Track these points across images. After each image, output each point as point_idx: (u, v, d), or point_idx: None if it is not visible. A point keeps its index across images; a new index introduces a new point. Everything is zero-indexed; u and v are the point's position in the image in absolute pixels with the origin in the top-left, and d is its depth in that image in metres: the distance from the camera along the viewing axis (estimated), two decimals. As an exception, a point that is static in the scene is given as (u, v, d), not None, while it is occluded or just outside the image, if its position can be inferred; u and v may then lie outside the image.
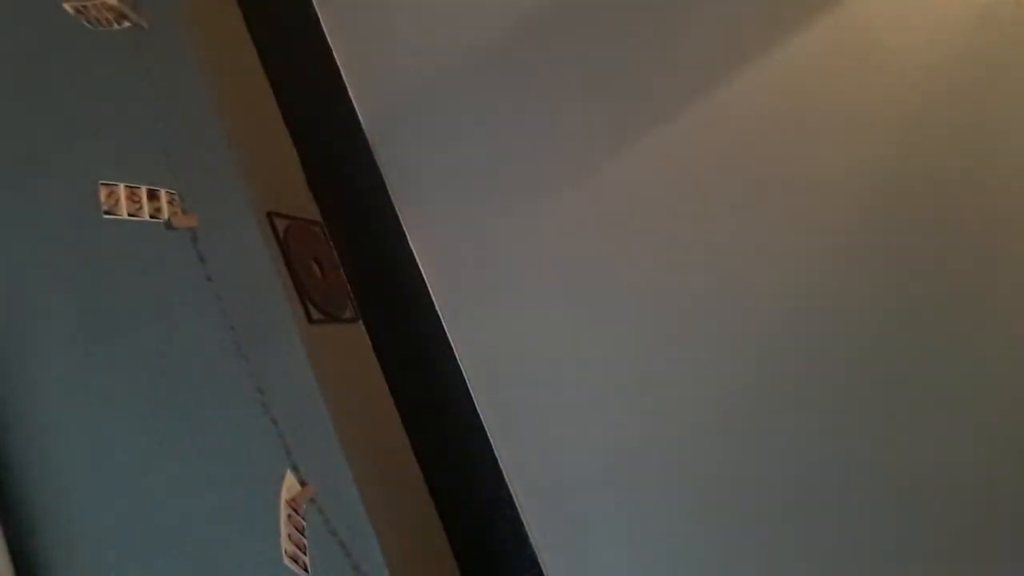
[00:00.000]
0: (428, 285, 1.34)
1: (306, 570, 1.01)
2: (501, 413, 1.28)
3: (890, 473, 1.07)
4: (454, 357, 1.31)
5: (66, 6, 1.13)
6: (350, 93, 1.40)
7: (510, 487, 1.26)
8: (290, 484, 1.04)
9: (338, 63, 1.41)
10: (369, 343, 1.35)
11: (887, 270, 1.09)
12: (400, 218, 1.36)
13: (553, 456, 1.24)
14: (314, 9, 1.43)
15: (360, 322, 1.35)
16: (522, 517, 1.24)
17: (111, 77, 1.22)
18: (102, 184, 1.07)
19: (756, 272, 1.14)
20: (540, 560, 1.23)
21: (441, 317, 1.32)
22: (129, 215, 1.09)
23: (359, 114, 1.39)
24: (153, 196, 1.10)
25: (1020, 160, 1.04)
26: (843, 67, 1.12)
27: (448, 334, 1.32)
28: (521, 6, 1.28)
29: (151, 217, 1.10)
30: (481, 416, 1.28)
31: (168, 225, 1.11)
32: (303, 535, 1.03)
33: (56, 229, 1.24)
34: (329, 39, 1.42)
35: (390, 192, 1.37)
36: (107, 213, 1.07)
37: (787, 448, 1.12)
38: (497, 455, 1.27)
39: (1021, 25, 1.04)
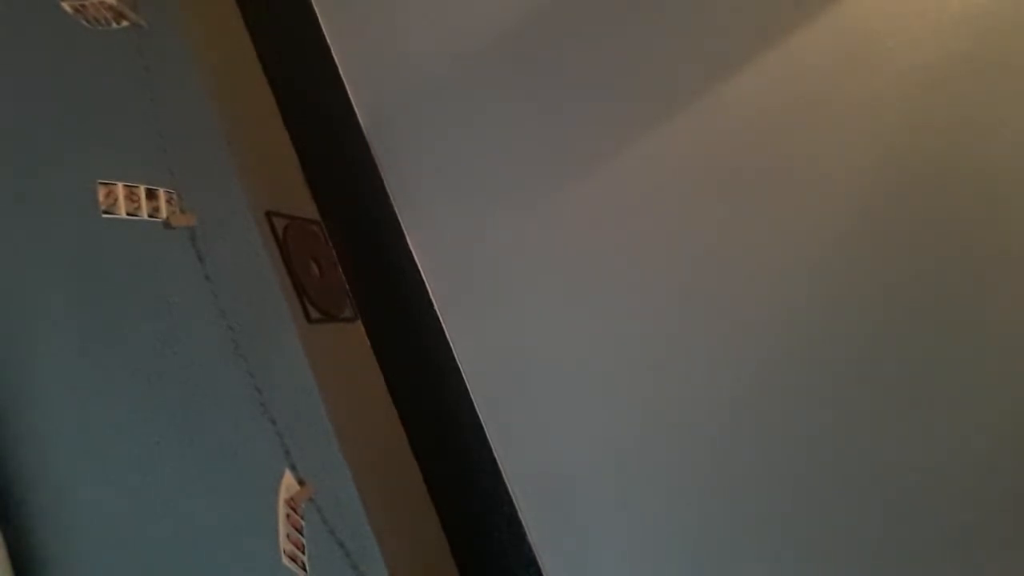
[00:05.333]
0: (427, 284, 1.34)
1: (304, 569, 1.01)
2: (500, 412, 1.28)
3: (891, 472, 1.07)
4: (452, 356, 1.31)
5: (65, 5, 1.13)
6: (349, 92, 1.40)
7: (508, 486, 1.26)
8: (288, 483, 1.05)
9: (337, 62, 1.41)
10: (368, 342, 1.35)
11: (888, 269, 1.09)
12: (399, 217, 1.36)
13: (552, 455, 1.24)
14: (313, 9, 1.43)
15: (359, 321, 1.35)
16: (520, 516, 1.24)
17: (109, 76, 1.22)
18: (100, 183, 1.08)
19: (757, 272, 1.14)
20: (538, 559, 1.23)
21: (440, 316, 1.32)
22: (127, 214, 1.09)
23: (358, 113, 1.39)
24: (151, 195, 1.11)
25: (1020, 159, 1.04)
26: (842, 66, 1.12)
27: (447, 333, 1.32)
28: (521, 6, 1.28)
29: (149, 216, 1.10)
30: (480, 415, 1.28)
31: (167, 224, 1.11)
32: (301, 534, 1.03)
33: (54, 228, 1.24)
34: (328, 39, 1.42)
35: (388, 191, 1.37)
36: (105, 212, 1.08)
37: (788, 448, 1.12)
38: (495, 454, 1.27)
39: (1021, 25, 1.04)
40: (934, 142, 1.07)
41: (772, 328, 1.13)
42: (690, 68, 1.18)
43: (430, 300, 1.33)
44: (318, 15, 1.43)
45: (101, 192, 1.07)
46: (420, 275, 1.34)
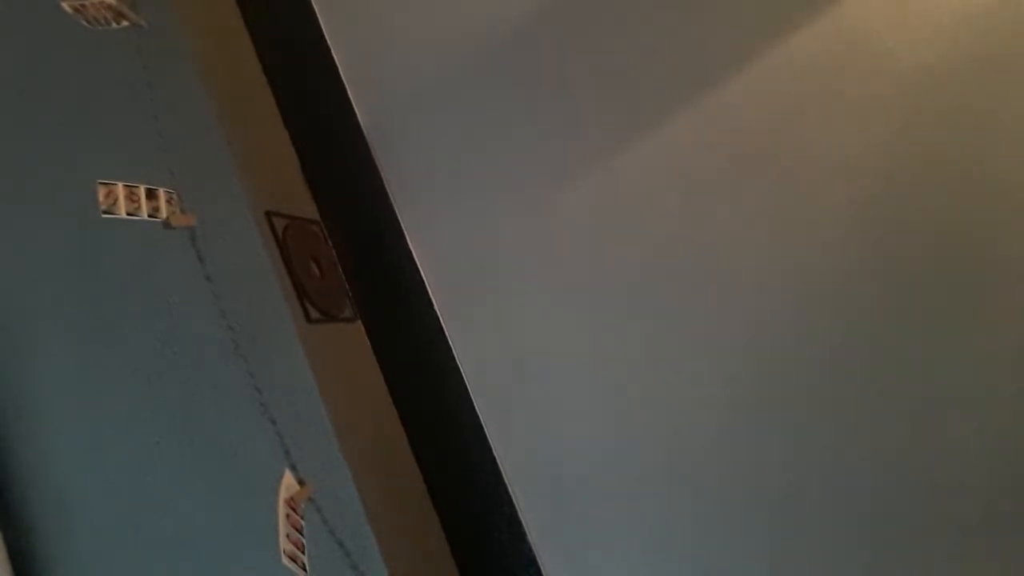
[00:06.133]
0: (427, 284, 1.34)
1: (304, 569, 1.01)
2: (499, 412, 1.28)
3: (892, 472, 1.07)
4: (452, 356, 1.31)
5: (65, 5, 1.13)
6: (349, 92, 1.40)
7: (508, 486, 1.26)
8: (288, 483, 1.05)
9: (337, 62, 1.41)
10: (367, 342, 1.35)
11: (887, 269, 1.09)
12: (399, 217, 1.36)
13: (551, 455, 1.24)
14: (313, 9, 1.43)
15: (359, 321, 1.35)
16: (520, 516, 1.24)
17: (109, 76, 1.22)
18: (100, 183, 1.08)
19: (756, 272, 1.14)
20: (538, 559, 1.23)
21: (439, 316, 1.32)
22: (127, 214, 1.09)
23: (358, 113, 1.39)
24: (151, 195, 1.11)
25: (1019, 159, 1.04)
26: (842, 67, 1.12)
27: (447, 333, 1.32)
28: (521, 6, 1.28)
29: (149, 216, 1.10)
30: (479, 415, 1.28)
31: (167, 224, 1.11)
32: (301, 534, 1.03)
33: (54, 228, 1.24)
34: (328, 39, 1.42)
35: (388, 191, 1.37)
36: (105, 212, 1.07)
37: (787, 447, 1.12)
38: (495, 454, 1.27)
39: (1020, 25, 1.04)
40: (934, 142, 1.07)
41: (772, 327, 1.13)
42: (690, 68, 1.18)
43: (430, 300, 1.33)
44: (318, 15, 1.43)
45: (101, 192, 1.07)
46: (420, 275, 1.34)
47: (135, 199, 1.09)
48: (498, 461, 1.27)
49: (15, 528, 1.21)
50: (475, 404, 1.29)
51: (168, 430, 1.16)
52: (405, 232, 1.36)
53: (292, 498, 1.04)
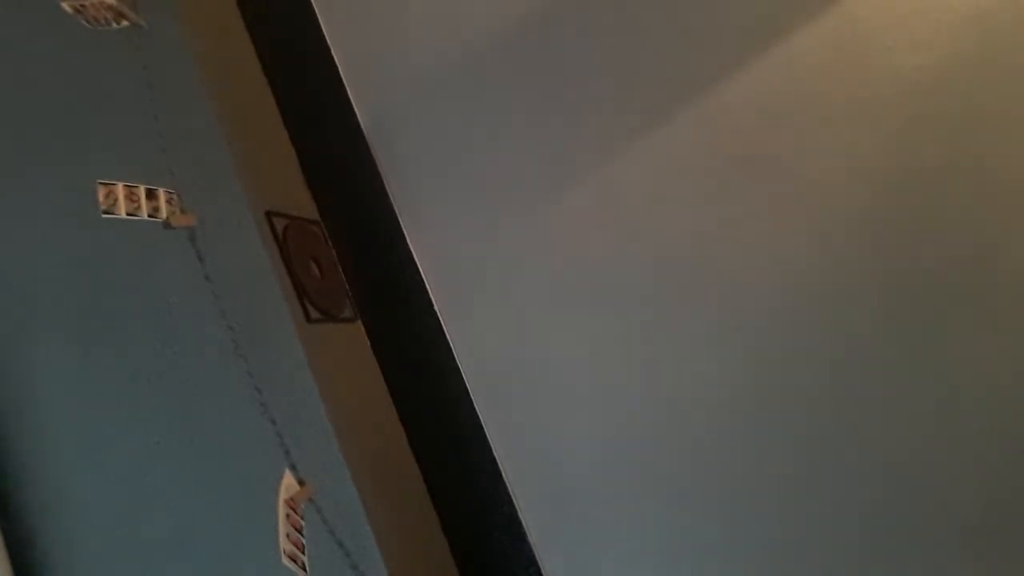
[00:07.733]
0: (427, 284, 1.34)
1: (304, 569, 1.01)
2: (499, 412, 1.28)
3: (893, 471, 1.07)
4: (452, 356, 1.31)
5: (65, 5, 1.13)
6: (349, 92, 1.40)
7: (508, 486, 1.26)
8: (288, 483, 1.05)
9: (337, 62, 1.41)
10: (367, 342, 1.35)
11: (886, 269, 1.09)
12: (399, 217, 1.36)
13: (551, 455, 1.24)
14: (313, 9, 1.43)
15: (359, 321, 1.35)
16: (520, 516, 1.24)
17: (109, 76, 1.22)
18: (100, 183, 1.08)
19: (756, 272, 1.14)
20: (538, 559, 1.23)
21: (440, 316, 1.32)
22: (127, 214, 1.09)
23: (358, 113, 1.39)
24: (151, 195, 1.11)
25: (1018, 160, 1.04)
26: (842, 67, 1.12)
27: (447, 333, 1.32)
28: (521, 7, 1.28)
29: (149, 216, 1.10)
30: (479, 415, 1.28)
31: (166, 224, 1.11)
32: (301, 534, 1.03)
33: (54, 228, 1.24)
34: (328, 39, 1.42)
35: (389, 191, 1.37)
36: (105, 212, 1.08)
37: (786, 448, 1.12)
38: (495, 454, 1.27)
39: (1019, 25, 1.04)
40: (934, 142, 1.07)
41: (773, 329, 1.13)
42: (690, 68, 1.18)
43: (430, 300, 1.33)
44: (318, 15, 1.43)
45: (101, 192, 1.07)
46: (420, 275, 1.34)
47: (135, 199, 1.10)
48: (498, 461, 1.27)
49: (15, 528, 1.21)
50: (475, 404, 1.29)
51: (168, 430, 1.16)
52: (405, 232, 1.36)
53: (292, 498, 1.04)
